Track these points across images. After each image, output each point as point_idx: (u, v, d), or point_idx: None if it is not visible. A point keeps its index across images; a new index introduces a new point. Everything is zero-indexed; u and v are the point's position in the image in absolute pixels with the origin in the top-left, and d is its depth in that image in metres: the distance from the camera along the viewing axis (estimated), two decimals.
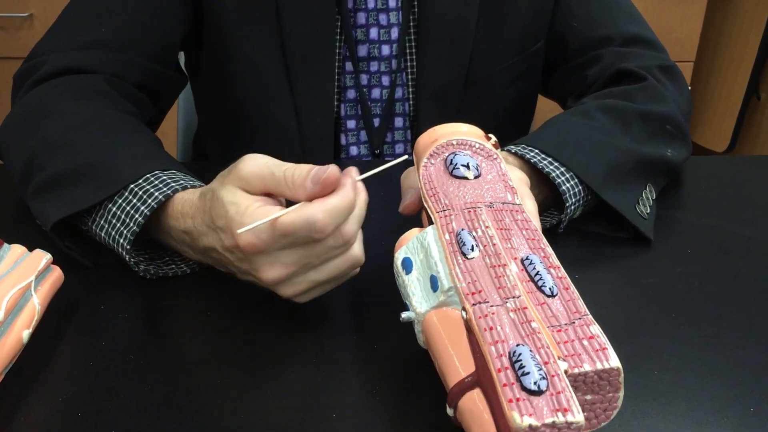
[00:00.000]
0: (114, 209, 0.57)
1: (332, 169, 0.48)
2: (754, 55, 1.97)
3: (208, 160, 1.01)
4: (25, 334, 0.48)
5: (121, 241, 0.56)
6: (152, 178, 0.58)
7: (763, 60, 1.98)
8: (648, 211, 0.68)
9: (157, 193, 0.56)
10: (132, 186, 0.57)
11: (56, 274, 0.54)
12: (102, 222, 0.58)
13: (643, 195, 0.69)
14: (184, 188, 0.57)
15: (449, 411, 0.41)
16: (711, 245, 0.67)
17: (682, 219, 0.71)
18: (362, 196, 0.50)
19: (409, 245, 0.48)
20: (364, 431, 0.44)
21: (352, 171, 0.50)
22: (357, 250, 0.51)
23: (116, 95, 0.72)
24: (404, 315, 0.45)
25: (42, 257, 0.52)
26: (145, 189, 0.57)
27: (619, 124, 0.71)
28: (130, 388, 0.47)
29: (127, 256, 0.57)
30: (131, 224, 0.56)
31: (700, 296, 0.59)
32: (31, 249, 0.53)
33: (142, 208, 0.56)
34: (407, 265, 0.47)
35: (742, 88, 2.03)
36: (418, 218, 0.56)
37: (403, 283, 0.46)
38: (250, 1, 0.79)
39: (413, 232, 0.48)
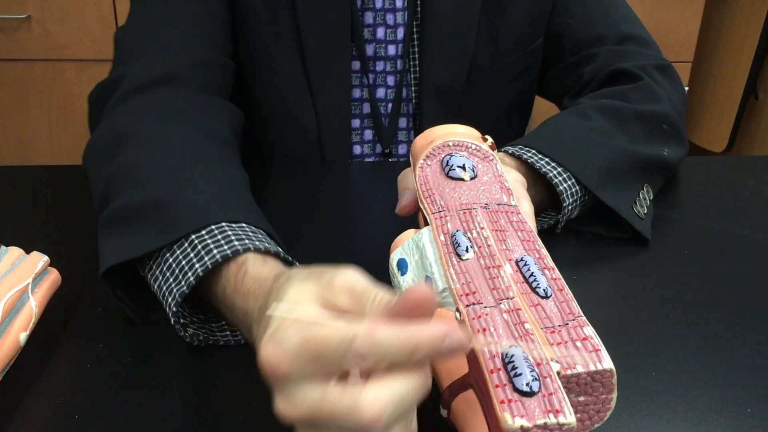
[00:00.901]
0: (170, 260, 0.51)
1: (421, 289, 0.35)
2: (752, 56, 1.97)
3: None
4: (23, 337, 0.48)
5: (170, 299, 0.49)
6: (216, 231, 0.51)
7: (760, 60, 1.98)
8: (645, 211, 0.68)
9: (215, 251, 0.49)
10: (193, 237, 0.50)
11: (53, 276, 0.54)
12: (157, 272, 0.52)
13: (641, 195, 0.69)
14: (246, 249, 0.49)
15: (443, 412, 0.41)
16: (708, 246, 0.67)
17: (680, 219, 0.72)
18: (421, 353, 0.34)
19: (404, 246, 0.48)
20: None
21: (451, 327, 0.34)
22: None
23: (209, 115, 0.67)
24: None
25: (39, 259, 0.52)
26: (205, 243, 0.50)
27: (616, 124, 0.71)
28: (128, 390, 0.47)
29: (172, 319, 0.50)
30: (182, 282, 0.49)
31: (697, 297, 0.59)
32: (28, 251, 0.53)
33: (197, 265, 0.49)
34: (402, 266, 0.47)
35: (739, 89, 2.03)
36: (414, 219, 0.56)
37: (398, 284, 0.46)
38: (272, 4, 0.80)
39: (409, 233, 0.48)
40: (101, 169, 0.61)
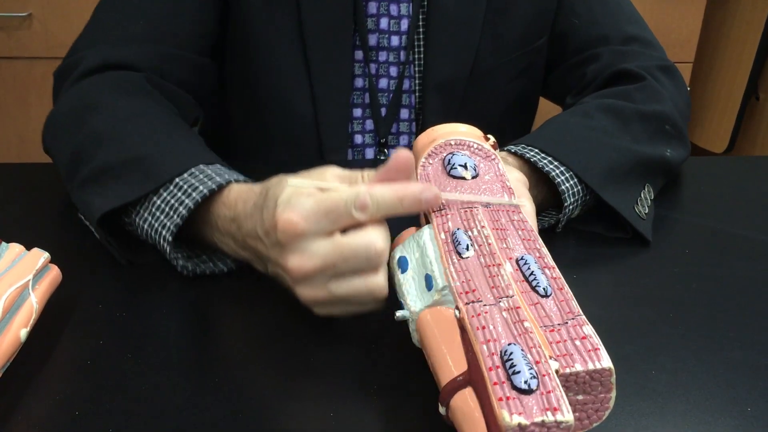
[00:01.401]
0: (159, 202, 0.57)
1: (404, 152, 0.48)
2: (753, 56, 1.98)
3: (219, 153, 1.00)
4: (23, 333, 0.48)
5: (164, 233, 0.56)
6: (197, 172, 0.58)
7: (761, 61, 1.98)
8: (646, 211, 0.68)
9: (201, 186, 0.56)
10: (177, 180, 0.57)
11: (54, 272, 0.54)
12: (146, 215, 0.58)
13: (642, 195, 0.69)
14: (228, 182, 0.56)
15: (441, 409, 0.41)
16: (709, 246, 0.67)
17: (680, 219, 0.72)
18: (407, 202, 0.47)
19: (405, 244, 0.48)
20: (357, 428, 0.45)
21: (428, 186, 0.48)
22: (381, 278, 0.49)
23: (157, 94, 0.72)
24: (399, 313, 0.46)
25: (40, 256, 0.52)
26: (190, 183, 0.57)
27: (619, 124, 0.71)
28: (128, 387, 0.47)
29: (168, 248, 0.57)
30: (175, 216, 0.56)
31: (698, 297, 0.59)
32: (28, 247, 0.53)
33: (187, 200, 0.56)
34: (403, 263, 0.47)
35: (740, 89, 2.03)
36: (414, 218, 0.56)
37: (398, 282, 0.47)
38: None
39: (409, 231, 0.48)
40: (67, 139, 0.66)
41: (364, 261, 0.47)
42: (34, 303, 0.50)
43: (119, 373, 0.49)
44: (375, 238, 0.47)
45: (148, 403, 0.46)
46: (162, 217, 0.57)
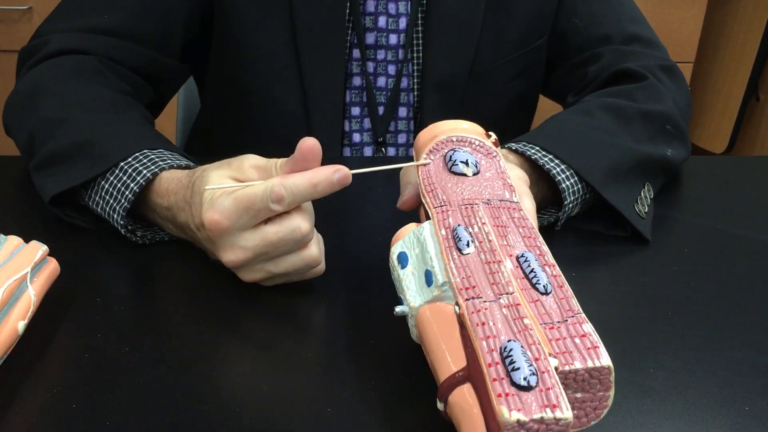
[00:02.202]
0: (106, 186, 0.61)
1: (310, 140, 0.50)
2: (754, 57, 1.98)
3: (209, 151, 1.01)
4: (21, 326, 0.48)
5: (115, 216, 0.60)
6: (141, 157, 0.61)
7: (762, 61, 1.99)
8: (646, 210, 0.68)
9: (144, 171, 0.59)
10: (122, 164, 0.61)
11: (52, 265, 0.54)
12: (97, 198, 0.61)
13: (642, 194, 0.69)
14: (171, 167, 0.60)
15: (439, 405, 0.41)
16: (708, 245, 0.67)
17: (680, 218, 0.72)
18: (321, 187, 0.51)
19: (405, 240, 0.48)
20: (356, 424, 0.45)
21: (338, 166, 0.51)
22: (313, 250, 0.54)
23: (111, 75, 0.75)
24: (398, 309, 0.46)
25: (38, 249, 0.52)
26: (134, 167, 0.60)
27: (620, 123, 0.71)
28: (125, 380, 0.47)
29: (122, 230, 0.60)
30: (122, 200, 0.59)
31: (697, 295, 0.59)
32: (27, 240, 0.53)
33: (132, 185, 0.59)
34: (403, 259, 0.47)
35: (741, 90, 2.03)
36: (415, 214, 0.56)
37: (398, 278, 0.46)
38: None
39: (410, 227, 0.48)
40: (22, 123, 0.70)
41: (292, 243, 0.52)
42: (32, 296, 0.50)
43: (116, 367, 0.49)
44: (298, 222, 0.51)
45: (145, 396, 0.46)
46: (111, 200, 0.60)
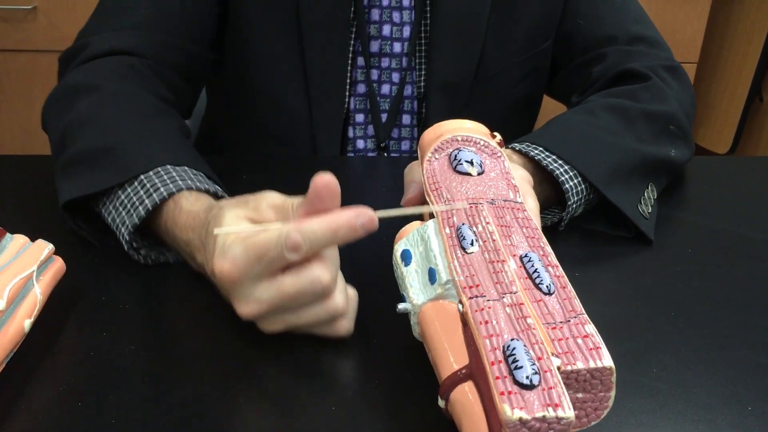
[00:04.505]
0: (122, 197, 0.58)
1: (324, 176, 0.45)
2: (757, 57, 1.97)
3: (214, 148, 1.01)
4: (27, 324, 0.49)
5: (122, 230, 0.58)
6: (162, 172, 0.58)
7: (766, 62, 1.98)
8: (649, 210, 0.68)
9: (162, 189, 0.57)
10: (142, 176, 0.58)
11: (58, 264, 0.54)
12: (110, 207, 0.59)
13: (645, 194, 0.69)
14: (189, 188, 0.57)
15: (441, 402, 0.41)
16: (711, 245, 0.67)
17: (683, 218, 0.72)
18: (342, 233, 0.45)
19: (409, 237, 0.48)
20: (358, 420, 0.45)
21: (361, 208, 0.45)
22: (338, 300, 0.48)
23: (155, 79, 0.74)
24: (401, 306, 0.46)
25: (44, 247, 0.53)
26: (152, 182, 0.58)
27: (624, 123, 0.71)
28: (131, 378, 0.48)
29: (125, 246, 0.58)
30: (134, 215, 0.57)
31: (700, 295, 0.59)
32: (33, 239, 0.53)
33: (146, 201, 0.57)
34: (406, 257, 0.47)
35: (744, 90, 2.03)
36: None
37: (401, 275, 0.47)
38: None
39: (414, 225, 0.48)
40: (58, 119, 0.68)
41: (311, 296, 0.47)
42: (38, 294, 0.50)
43: (122, 365, 0.49)
44: (318, 273, 0.46)
45: (151, 394, 0.46)
46: (123, 212, 0.58)
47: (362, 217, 0.44)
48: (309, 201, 0.45)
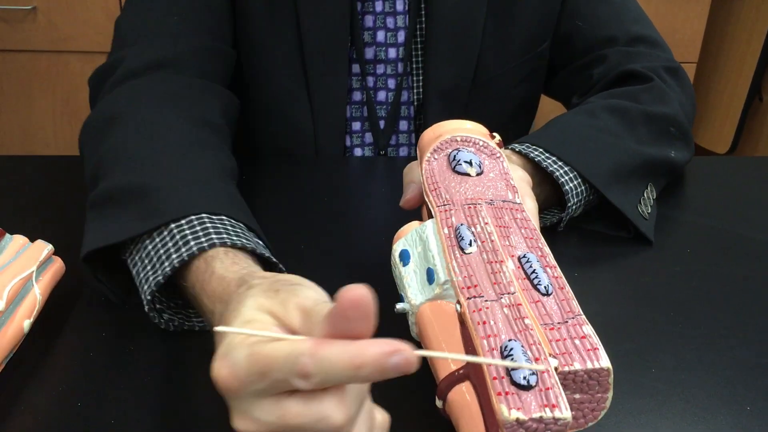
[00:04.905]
0: (149, 247, 0.51)
1: (356, 289, 0.33)
2: (757, 57, 1.97)
3: None
4: (26, 324, 0.49)
5: (145, 287, 0.50)
6: (196, 222, 0.51)
7: (765, 62, 1.98)
8: (649, 211, 0.68)
9: (192, 243, 0.49)
10: (172, 225, 0.51)
11: (57, 264, 0.54)
12: (137, 259, 0.52)
13: (645, 194, 0.69)
14: (223, 244, 0.49)
15: (438, 402, 0.41)
16: (710, 245, 0.67)
17: (682, 219, 0.72)
18: (366, 371, 0.33)
19: (407, 237, 0.48)
20: None
21: (396, 344, 0.33)
22: None
23: (203, 102, 0.68)
24: (399, 306, 0.46)
25: (44, 248, 0.53)
26: (183, 233, 0.50)
27: (624, 125, 0.71)
28: (130, 379, 0.48)
29: (146, 306, 0.50)
30: (159, 272, 0.49)
31: (699, 295, 0.59)
32: (32, 239, 0.53)
33: (174, 256, 0.49)
34: (405, 256, 0.47)
35: (744, 90, 2.03)
36: (418, 212, 0.56)
37: (399, 275, 0.47)
38: (273, 4, 0.80)
39: (412, 225, 0.48)
40: (93, 150, 0.62)
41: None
42: (37, 294, 0.50)
43: (121, 365, 0.49)
44: (330, 410, 0.35)
45: (150, 394, 0.46)
46: (149, 267, 0.50)
47: (397, 357, 0.33)
48: (332, 318, 0.34)
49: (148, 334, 0.53)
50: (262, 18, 0.81)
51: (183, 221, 0.51)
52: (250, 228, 0.54)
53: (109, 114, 0.64)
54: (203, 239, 0.49)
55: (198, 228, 0.50)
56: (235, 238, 0.50)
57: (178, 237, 0.50)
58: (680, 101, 0.77)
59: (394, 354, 0.33)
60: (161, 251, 0.50)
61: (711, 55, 2.13)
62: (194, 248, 0.48)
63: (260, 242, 0.53)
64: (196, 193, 0.54)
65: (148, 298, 0.49)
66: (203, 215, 0.51)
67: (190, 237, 0.49)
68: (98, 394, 0.46)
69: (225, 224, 0.51)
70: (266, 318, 0.39)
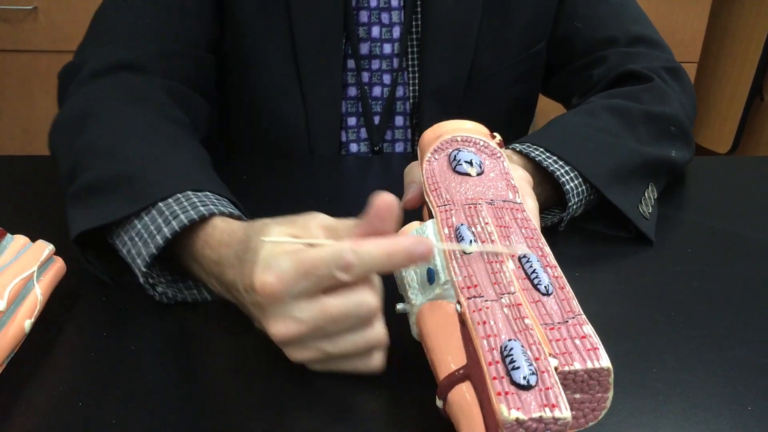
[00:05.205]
0: (139, 226, 0.54)
1: (386, 196, 0.43)
2: (758, 57, 1.97)
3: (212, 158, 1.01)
4: (27, 324, 0.49)
5: (138, 261, 0.53)
6: (182, 198, 0.54)
7: (766, 62, 1.98)
8: (650, 210, 0.68)
9: (182, 216, 0.52)
10: (160, 204, 0.53)
11: (58, 264, 0.54)
12: (126, 238, 0.54)
13: (645, 194, 0.69)
14: (212, 213, 0.52)
15: (438, 403, 0.41)
16: (711, 245, 0.67)
17: (683, 218, 0.72)
18: (398, 259, 0.43)
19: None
20: (356, 419, 0.45)
21: (421, 238, 0.44)
22: (379, 329, 0.45)
23: (162, 97, 0.70)
24: (399, 306, 0.46)
25: (44, 248, 0.53)
26: (172, 209, 0.53)
27: (625, 125, 0.71)
28: (131, 378, 0.48)
29: (141, 279, 0.53)
30: (151, 244, 0.52)
31: (700, 295, 0.59)
32: (33, 239, 0.53)
33: (165, 229, 0.52)
34: None
35: (745, 90, 2.03)
36: (418, 212, 0.56)
37: (399, 275, 0.47)
38: (265, 1, 0.80)
39: (413, 225, 0.49)
40: (67, 147, 0.63)
41: (356, 320, 0.44)
42: (38, 294, 0.50)
43: (122, 365, 0.49)
44: (366, 296, 0.44)
45: (151, 394, 0.46)
46: (139, 243, 0.53)
47: (421, 247, 0.42)
48: (368, 221, 0.44)
49: (150, 334, 0.53)
50: (253, 14, 0.81)
51: (170, 199, 0.54)
52: (233, 203, 0.57)
53: (80, 112, 0.66)
54: (191, 211, 0.52)
55: (185, 203, 0.53)
56: (223, 208, 0.53)
57: (167, 213, 0.53)
58: (680, 101, 0.78)
59: (419, 245, 0.42)
60: (151, 227, 0.53)
61: (712, 55, 2.13)
62: (185, 220, 0.51)
63: (242, 214, 0.55)
64: (179, 174, 0.57)
65: (143, 270, 0.52)
66: (188, 192, 0.54)
67: (178, 210, 0.53)
68: (99, 394, 0.46)
69: (210, 198, 0.55)
70: (293, 241, 0.45)
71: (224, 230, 0.51)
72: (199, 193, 0.55)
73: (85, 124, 0.64)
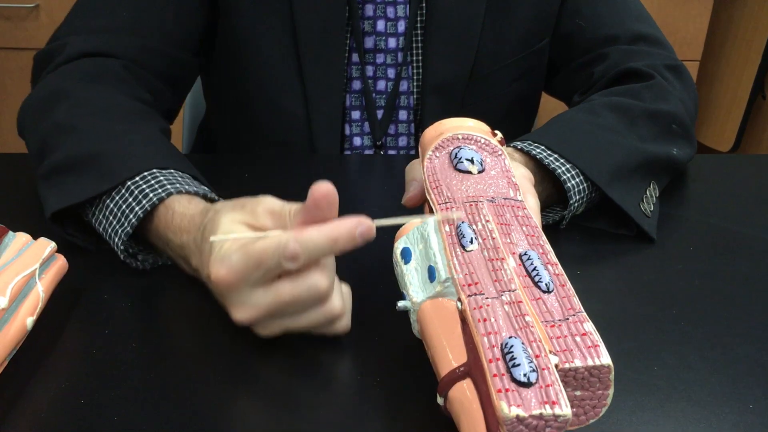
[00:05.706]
0: (111, 205, 0.57)
1: (323, 185, 0.45)
2: (760, 55, 1.97)
3: (214, 150, 1.01)
4: (29, 322, 0.49)
5: (116, 239, 0.57)
6: (149, 177, 0.57)
7: None
8: (651, 209, 0.68)
9: (151, 194, 0.56)
10: (129, 183, 0.57)
11: (60, 262, 0.54)
12: (100, 217, 0.58)
13: (647, 192, 0.69)
14: (179, 192, 0.56)
15: (439, 400, 0.41)
16: (713, 243, 0.67)
17: (685, 217, 0.72)
18: (341, 243, 0.45)
19: (409, 235, 0.48)
20: (356, 417, 0.45)
21: (359, 218, 0.45)
22: (335, 303, 0.48)
23: (132, 81, 0.73)
24: (400, 304, 0.46)
25: (46, 245, 0.53)
26: (141, 188, 0.57)
27: (626, 122, 0.71)
28: (133, 376, 0.48)
29: (120, 255, 0.57)
30: (126, 224, 0.56)
31: (701, 294, 0.59)
32: (35, 237, 0.53)
33: (137, 208, 0.56)
34: (406, 254, 0.47)
35: (747, 88, 2.03)
36: (419, 210, 0.56)
37: (401, 273, 0.47)
38: None
39: (414, 223, 0.49)
40: (35, 127, 0.67)
41: (309, 302, 0.47)
42: (40, 292, 0.51)
43: (124, 363, 0.49)
44: (316, 279, 0.46)
45: (152, 392, 0.47)
46: (114, 222, 0.57)
47: (361, 227, 0.45)
48: (306, 209, 0.46)
49: (151, 332, 0.53)
50: (253, 5, 0.81)
51: (137, 177, 0.57)
52: (195, 177, 0.61)
53: (48, 93, 0.69)
54: (159, 189, 0.56)
55: (152, 181, 0.57)
56: (186, 186, 0.57)
57: (136, 192, 0.56)
58: (682, 99, 0.77)
59: (358, 225, 0.45)
60: (123, 206, 0.57)
61: (714, 54, 2.13)
62: (154, 199, 0.55)
63: (206, 188, 0.59)
64: (144, 153, 0.61)
65: (121, 247, 0.56)
66: (154, 170, 0.58)
67: (147, 189, 0.56)
68: (101, 391, 0.46)
69: (175, 176, 0.58)
70: (242, 228, 0.48)
71: (183, 215, 0.54)
72: (164, 171, 0.58)
73: (52, 104, 0.66)
